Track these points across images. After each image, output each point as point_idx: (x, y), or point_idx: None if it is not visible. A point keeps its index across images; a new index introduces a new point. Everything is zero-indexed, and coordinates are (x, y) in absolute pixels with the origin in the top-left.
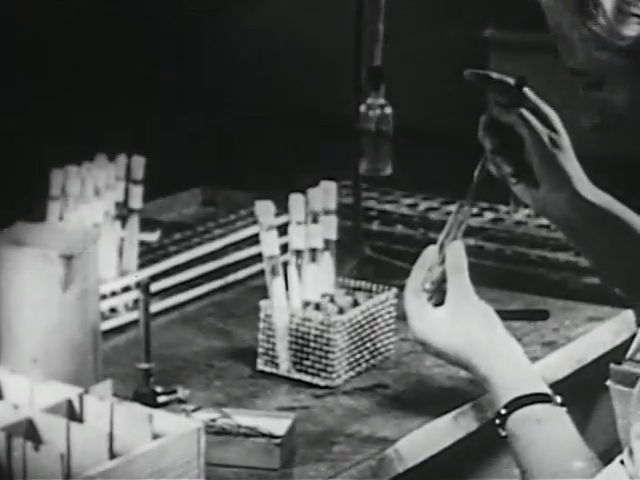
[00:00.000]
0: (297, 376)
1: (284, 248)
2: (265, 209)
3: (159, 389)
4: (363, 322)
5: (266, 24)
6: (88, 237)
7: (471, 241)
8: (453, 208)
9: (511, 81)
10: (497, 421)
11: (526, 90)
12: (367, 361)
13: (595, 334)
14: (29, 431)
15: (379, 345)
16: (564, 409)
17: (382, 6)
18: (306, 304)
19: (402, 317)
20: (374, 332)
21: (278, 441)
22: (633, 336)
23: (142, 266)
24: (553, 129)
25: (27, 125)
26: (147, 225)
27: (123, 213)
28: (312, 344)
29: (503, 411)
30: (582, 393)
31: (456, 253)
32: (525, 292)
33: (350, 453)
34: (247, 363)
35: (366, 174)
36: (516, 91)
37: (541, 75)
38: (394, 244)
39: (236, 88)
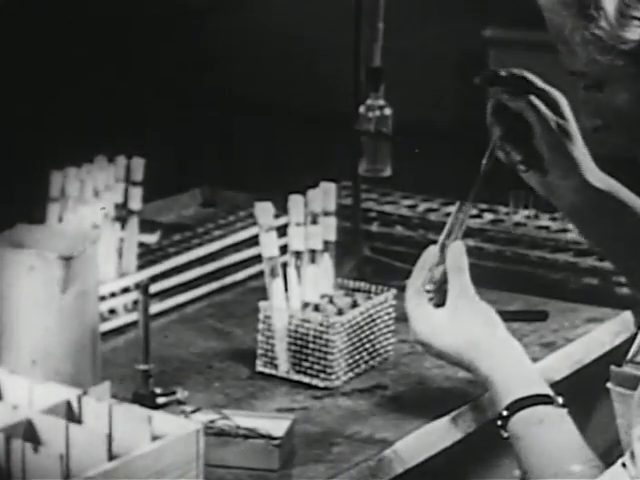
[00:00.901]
0: (296, 377)
1: (283, 249)
2: (264, 210)
3: (158, 390)
4: (362, 323)
5: (266, 24)
6: (87, 238)
7: (471, 242)
8: (453, 209)
9: (519, 71)
10: (499, 422)
11: (534, 77)
12: (366, 362)
13: (594, 335)
14: (28, 432)
15: (378, 346)
16: (565, 410)
17: (381, 6)
18: (305, 305)
19: (401, 318)
20: (373, 333)
21: (277, 442)
22: (632, 337)
23: (141, 267)
24: (562, 116)
25: (27, 127)
26: (146, 226)
27: (122, 214)
28: (311, 345)
29: (505, 412)
30: (581, 394)
31: (457, 253)
32: (524, 293)
33: (349, 454)
34: (246, 364)
35: (365, 175)
36: (524, 80)
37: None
38: (393, 245)
39: (236, 89)
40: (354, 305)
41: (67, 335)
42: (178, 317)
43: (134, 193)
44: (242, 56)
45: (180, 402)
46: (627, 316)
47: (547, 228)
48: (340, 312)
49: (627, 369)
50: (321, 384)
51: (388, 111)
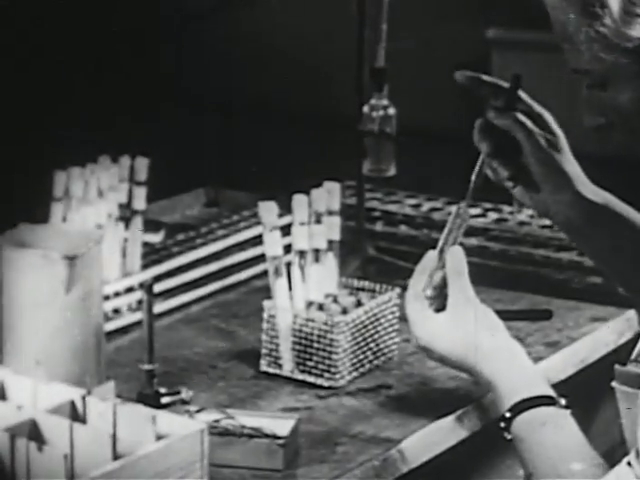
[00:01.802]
0: (300, 377)
1: (287, 249)
2: (268, 210)
3: (162, 390)
4: (366, 322)
5: (269, 25)
6: (91, 238)
7: (474, 241)
8: (455, 209)
9: (505, 84)
10: (502, 424)
11: (520, 92)
12: (370, 362)
13: (598, 334)
14: (32, 432)
15: (382, 346)
16: (569, 411)
17: (385, 6)
18: (309, 304)
19: (406, 318)
20: (377, 332)
21: (281, 442)
22: (637, 336)
23: (145, 267)
24: (550, 131)
25: (30, 126)
26: (150, 226)
27: (126, 214)
28: (315, 345)
29: (508, 414)
30: (585, 393)
31: (456, 258)
32: (529, 292)
33: (354, 454)
34: (250, 364)
35: (369, 175)
36: (510, 93)
37: (544, 74)
38: (397, 244)
39: (240, 89)
40: (358, 304)
41: (71, 335)
42: (182, 317)
43: (138, 193)
44: (246, 56)
45: (184, 402)
46: (631, 315)
47: (551, 227)
48: (344, 311)
49: (632, 368)
50: (325, 384)
51: (392, 111)
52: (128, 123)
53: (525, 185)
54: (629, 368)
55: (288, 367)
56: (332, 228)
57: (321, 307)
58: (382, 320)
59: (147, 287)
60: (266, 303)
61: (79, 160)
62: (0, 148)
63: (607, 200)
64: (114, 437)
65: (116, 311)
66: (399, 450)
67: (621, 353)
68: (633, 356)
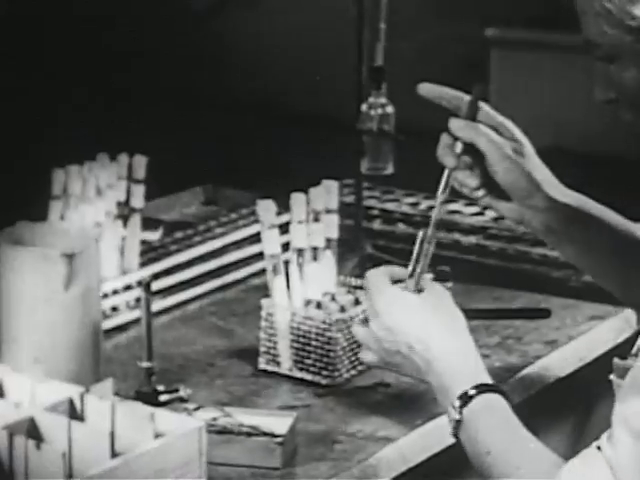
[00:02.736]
0: (299, 375)
1: (285, 247)
2: (266, 208)
3: (161, 388)
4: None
5: (267, 24)
6: (90, 236)
7: (473, 239)
8: (454, 207)
9: (465, 96)
10: (457, 404)
11: (480, 103)
12: None
13: (597, 332)
14: (31, 430)
15: None
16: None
17: (384, 5)
18: (307, 303)
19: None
20: None
21: (280, 440)
22: (635, 334)
23: (144, 265)
24: (513, 139)
25: (29, 125)
26: (149, 224)
27: (125, 212)
28: (313, 343)
29: (472, 392)
30: (583, 391)
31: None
32: (527, 290)
33: (352, 452)
34: (249, 362)
35: (368, 173)
36: (471, 105)
37: (542, 73)
38: (395, 243)
39: (238, 87)
40: (356, 302)
41: (69, 333)
42: (180, 315)
43: (136, 191)
44: (245, 56)
45: (183, 400)
46: (629, 313)
47: None
48: (342, 309)
49: (630, 362)
50: (323, 381)
51: (390, 109)
52: (126, 121)
53: (495, 195)
54: (627, 362)
55: (286, 365)
56: (330, 226)
57: (319, 305)
58: None
59: (145, 285)
60: (264, 301)
61: (77, 158)
62: None
63: (581, 201)
64: (112, 435)
65: (114, 309)
66: (397, 448)
67: (619, 351)
68: (634, 350)
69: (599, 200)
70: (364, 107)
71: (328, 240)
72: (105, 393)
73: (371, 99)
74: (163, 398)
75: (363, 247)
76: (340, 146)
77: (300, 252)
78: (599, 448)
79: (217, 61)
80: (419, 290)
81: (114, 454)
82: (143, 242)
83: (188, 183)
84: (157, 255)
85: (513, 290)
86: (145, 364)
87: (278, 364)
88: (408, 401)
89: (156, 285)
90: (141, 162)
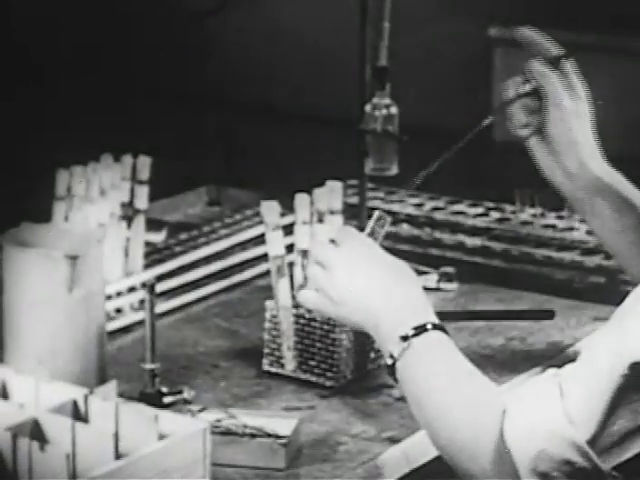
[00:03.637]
0: (303, 376)
1: (290, 248)
2: (271, 209)
3: (165, 389)
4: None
5: (271, 24)
6: (93, 237)
7: (477, 241)
8: (458, 208)
9: (553, 49)
10: (401, 337)
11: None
12: (373, 361)
13: None
14: (34, 431)
15: None
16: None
17: (387, 4)
18: None
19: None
20: None
21: (284, 441)
22: None
23: (148, 266)
24: (577, 98)
25: (32, 126)
26: (153, 225)
27: (129, 213)
28: (318, 344)
29: (411, 332)
30: None
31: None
32: (531, 292)
33: (356, 453)
34: (253, 363)
35: (372, 174)
36: (559, 57)
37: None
38: (400, 244)
39: (242, 88)
40: None
41: (73, 334)
42: (184, 316)
43: (140, 192)
44: (248, 55)
45: (186, 401)
46: None
47: (553, 227)
48: None
49: None
50: (328, 383)
51: (394, 110)
52: (130, 122)
53: (539, 140)
54: None
55: (290, 366)
56: (334, 227)
57: None
58: None
59: (149, 286)
60: (268, 302)
61: (81, 159)
62: (2, 147)
63: (614, 179)
64: (116, 436)
65: (118, 310)
66: (401, 449)
67: None
68: None
69: None
70: (368, 108)
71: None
72: (109, 394)
73: (375, 100)
74: (167, 399)
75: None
76: (344, 147)
77: (304, 253)
78: (555, 375)
79: (221, 61)
80: None
81: (118, 455)
82: (147, 243)
83: (192, 184)
84: (161, 256)
85: (517, 291)
86: (149, 365)
87: (282, 365)
88: None
89: (160, 286)
90: (145, 163)
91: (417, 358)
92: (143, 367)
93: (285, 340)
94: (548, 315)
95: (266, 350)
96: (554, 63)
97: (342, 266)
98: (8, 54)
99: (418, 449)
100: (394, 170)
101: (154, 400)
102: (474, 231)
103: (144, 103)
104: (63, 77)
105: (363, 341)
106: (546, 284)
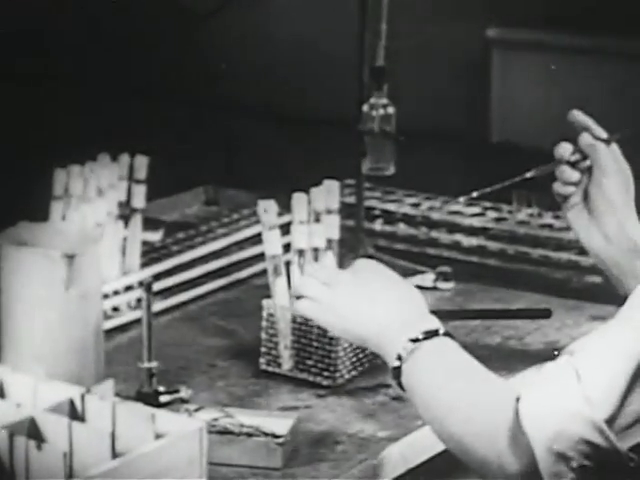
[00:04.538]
0: (300, 375)
1: (287, 247)
2: (268, 208)
3: (161, 388)
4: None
5: (269, 23)
6: (91, 237)
7: (474, 240)
8: (454, 207)
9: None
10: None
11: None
12: (370, 360)
13: None
14: (31, 430)
15: None
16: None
17: (385, 5)
18: None
19: None
20: None
21: (281, 440)
22: None
23: (145, 265)
24: (621, 167)
25: (30, 124)
26: (150, 224)
27: (126, 212)
28: (315, 343)
29: (421, 336)
30: None
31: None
32: (528, 291)
33: (353, 453)
34: (250, 362)
35: (369, 173)
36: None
37: (543, 74)
38: (397, 243)
39: (239, 87)
40: None
41: (70, 333)
42: (181, 315)
43: (137, 191)
44: (246, 56)
45: (183, 400)
46: None
47: (550, 226)
48: None
49: None
50: (325, 382)
51: (391, 110)
52: (128, 121)
53: (579, 206)
54: None
55: (287, 366)
56: (331, 227)
57: None
58: None
59: (146, 285)
60: (265, 302)
61: (78, 158)
62: None
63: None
64: (113, 435)
65: (115, 309)
66: (398, 449)
67: None
68: None
69: None
70: (365, 108)
71: (329, 241)
72: (106, 394)
73: (372, 100)
74: (164, 399)
75: (364, 248)
76: (341, 147)
77: (301, 253)
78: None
79: (218, 61)
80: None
81: (115, 455)
82: (144, 242)
83: (189, 183)
84: (158, 255)
85: (514, 291)
86: (146, 365)
87: (279, 365)
88: (409, 402)
89: (157, 286)
90: (142, 162)
91: (428, 357)
92: (140, 366)
93: (282, 339)
94: (545, 314)
95: (263, 349)
96: (603, 142)
97: (347, 281)
98: (8, 54)
99: (415, 448)
100: (391, 170)
101: (151, 399)
102: (471, 231)
103: (141, 103)
104: (62, 77)
105: None
106: (543, 284)
